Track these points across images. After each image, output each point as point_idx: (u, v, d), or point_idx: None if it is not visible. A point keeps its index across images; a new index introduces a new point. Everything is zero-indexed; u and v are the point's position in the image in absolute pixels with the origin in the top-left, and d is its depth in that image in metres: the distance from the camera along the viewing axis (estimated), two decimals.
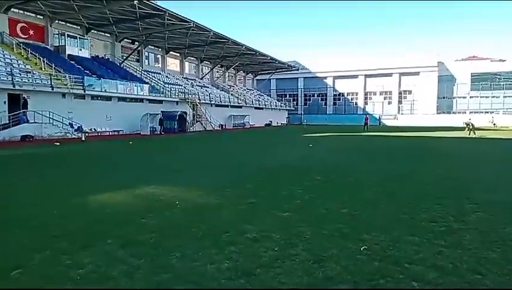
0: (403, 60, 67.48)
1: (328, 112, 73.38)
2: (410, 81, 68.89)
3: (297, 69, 70.71)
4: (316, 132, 34.71)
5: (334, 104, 74.45)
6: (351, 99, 73.25)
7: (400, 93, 70.05)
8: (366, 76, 71.30)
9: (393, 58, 68.61)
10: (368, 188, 8.03)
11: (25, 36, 31.16)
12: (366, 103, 72.27)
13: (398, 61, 67.55)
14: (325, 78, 74.13)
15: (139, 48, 42.71)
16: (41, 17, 32.41)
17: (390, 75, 69.48)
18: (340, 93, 73.99)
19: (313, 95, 76.21)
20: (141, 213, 5.89)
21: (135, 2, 30.19)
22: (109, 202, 6.77)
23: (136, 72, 39.95)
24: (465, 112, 62.55)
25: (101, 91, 30.27)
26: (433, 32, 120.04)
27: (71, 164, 12.53)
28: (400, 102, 70.12)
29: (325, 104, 74.91)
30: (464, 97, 67.01)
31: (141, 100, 35.09)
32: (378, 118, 65.35)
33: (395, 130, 39.33)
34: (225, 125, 48.12)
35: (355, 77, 71.51)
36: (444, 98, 68.07)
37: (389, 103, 70.83)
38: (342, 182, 8.85)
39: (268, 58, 57.44)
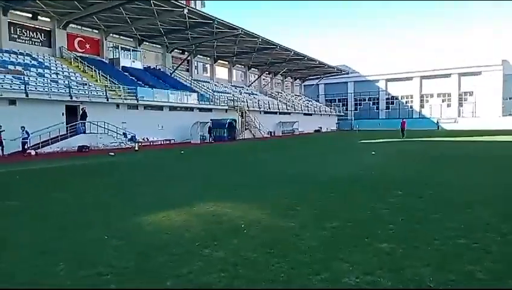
0: (462, 59, 62.81)
1: (380, 117, 69.96)
2: (471, 82, 63.85)
3: (347, 73, 68.19)
4: (371, 138, 32.59)
5: (387, 108, 70.90)
6: (406, 102, 69.36)
7: (459, 94, 65.17)
8: (422, 78, 67.23)
9: (452, 58, 64.16)
10: (476, 206, 6.50)
11: (82, 50, 32.29)
12: (422, 106, 68.03)
13: (457, 61, 62.98)
14: (377, 81, 70.96)
15: (188, 58, 43.07)
16: (97, 31, 33.48)
17: (448, 76, 64.94)
18: (393, 96, 70.39)
19: (364, 100, 73.14)
20: (204, 240, 4.88)
21: (185, 11, 30.21)
22: (165, 224, 5.85)
23: (186, 81, 40.21)
24: None
25: (153, 101, 30.49)
26: (494, 27, 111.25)
27: (125, 178, 11.99)
28: (460, 104, 65.20)
29: (377, 108, 71.53)
30: None
31: (191, 109, 35.05)
32: (436, 122, 61.11)
33: (456, 135, 36.07)
34: (274, 132, 47.14)
35: (410, 79, 67.68)
36: (510, 98, 62.35)
37: (448, 105, 66.09)
38: (433, 199, 7.33)
39: (317, 62, 55.82)
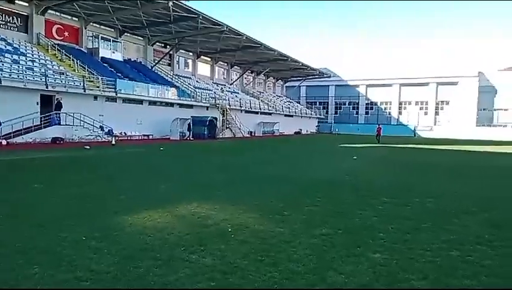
0: (440, 69, 64.44)
1: (359, 122, 70.93)
2: (448, 91, 65.53)
3: (329, 76, 68.85)
4: (351, 142, 32.86)
5: (366, 113, 71.94)
6: (384, 108, 70.59)
7: (436, 103, 66.87)
8: (401, 85, 68.56)
9: (430, 67, 65.71)
10: (462, 216, 6.49)
11: (60, 38, 31.13)
12: (400, 113, 69.41)
13: (435, 70, 64.57)
14: (357, 86, 71.87)
15: (170, 52, 42.32)
16: (77, 19, 32.37)
17: (426, 84, 66.47)
18: (372, 102, 71.47)
19: (344, 104, 73.95)
20: (190, 244, 4.62)
21: (170, 3, 29.58)
22: (148, 224, 5.54)
23: (167, 76, 39.47)
24: (505, 126, 59.02)
25: (133, 94, 29.72)
26: (473, 37, 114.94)
27: (103, 173, 11.48)
28: (436, 113, 66.90)
29: (357, 113, 72.45)
30: (506, 109, 63.11)
31: (171, 104, 34.41)
32: (413, 129, 62.49)
33: (433, 143, 36.92)
34: (254, 133, 46.95)
35: (390, 85, 68.89)
36: (484, 109, 64.45)
37: (425, 113, 67.62)
38: (420, 207, 7.30)
39: (300, 64, 56.00)
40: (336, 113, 74.36)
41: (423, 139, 49.56)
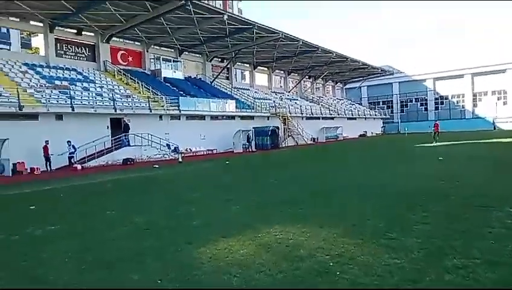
0: None
1: (429, 118, 65.90)
2: None
3: (392, 74, 65.08)
4: (425, 142, 29.95)
5: (436, 108, 66.68)
6: (457, 102, 64.96)
7: None
8: (474, 74, 62.69)
9: (506, 51, 59.42)
10: None
11: (125, 63, 32.53)
12: (475, 105, 63.37)
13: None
14: (424, 80, 67.07)
15: (228, 66, 42.55)
16: (139, 43, 33.70)
17: (503, 71, 60.00)
18: (442, 96, 66.18)
19: (411, 101, 69.33)
20: (287, 287, 3.64)
21: (224, 17, 29.59)
22: (230, 260, 4.65)
23: (226, 89, 39.67)
24: None
25: (195, 110, 29.98)
26: None
27: (173, 195, 11.03)
28: None
29: (426, 109, 67.44)
30: None
31: (233, 117, 34.28)
32: (492, 121, 56.53)
33: None
34: (317, 139, 45.37)
35: (461, 76, 63.32)
36: None
37: (504, 103, 61.03)
38: None
39: (360, 63, 53.58)
40: (402, 111, 69.95)
41: (505, 132, 44.32)
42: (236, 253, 4.88)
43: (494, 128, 53.97)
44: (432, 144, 26.49)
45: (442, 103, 66.50)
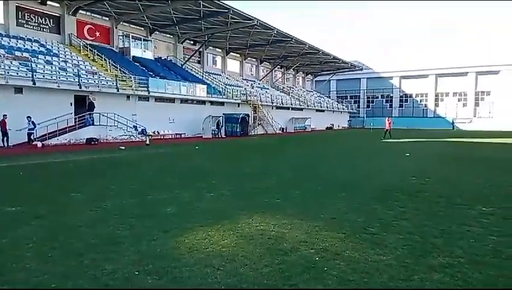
0: (479, 57, 60.75)
1: (393, 115, 68.02)
2: (488, 81, 61.78)
3: (361, 69, 66.34)
4: (392, 137, 30.84)
5: (401, 106, 68.99)
6: (420, 101, 67.46)
7: (476, 94, 63.13)
8: (438, 75, 65.28)
9: (469, 56, 62.16)
10: None
11: (92, 38, 30.94)
12: (437, 105, 66.16)
13: (474, 59, 60.97)
14: (391, 78, 69.04)
15: (200, 49, 41.58)
16: (107, 19, 32.11)
17: (465, 74, 62.89)
18: (407, 94, 68.43)
19: (377, 97, 71.23)
20: (274, 285, 3.48)
21: None
22: (211, 251, 4.43)
23: (197, 73, 38.82)
24: None
25: (165, 93, 29.12)
26: None
27: (142, 179, 10.57)
28: (476, 104, 63.18)
29: (391, 106, 69.57)
30: None
31: (203, 102, 33.67)
32: (451, 121, 59.23)
33: (477, 136, 34.33)
34: (286, 129, 45.71)
35: (425, 76, 65.74)
36: None
37: (464, 105, 64.09)
38: None
39: (331, 57, 54.11)
40: (368, 107, 71.78)
41: (463, 132, 46.62)
42: (217, 244, 4.66)
43: (453, 128, 56.55)
44: (384, 140, 27.12)
45: (406, 101, 68.80)
